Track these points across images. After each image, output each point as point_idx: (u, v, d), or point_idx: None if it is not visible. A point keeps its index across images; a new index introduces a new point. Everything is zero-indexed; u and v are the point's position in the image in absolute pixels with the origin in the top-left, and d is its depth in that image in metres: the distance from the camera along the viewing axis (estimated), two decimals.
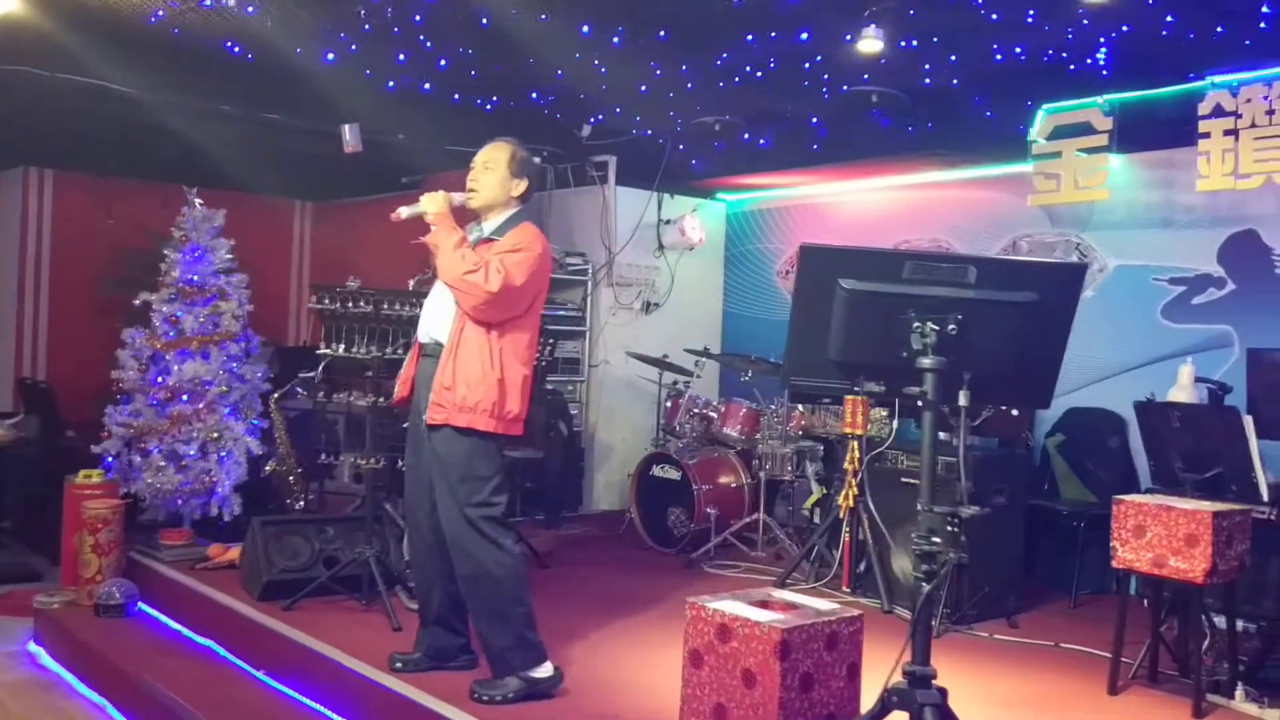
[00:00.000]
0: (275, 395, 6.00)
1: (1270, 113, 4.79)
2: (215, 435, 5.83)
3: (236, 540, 5.49)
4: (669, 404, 6.89)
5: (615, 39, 5.20)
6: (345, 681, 4.07)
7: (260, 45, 5.42)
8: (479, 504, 3.67)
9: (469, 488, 3.67)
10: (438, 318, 3.83)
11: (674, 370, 6.97)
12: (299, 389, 6.38)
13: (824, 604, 3.05)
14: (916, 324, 2.61)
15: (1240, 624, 4.27)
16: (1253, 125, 4.85)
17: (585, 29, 5.03)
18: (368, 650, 4.19)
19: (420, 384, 3.86)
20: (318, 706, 4.14)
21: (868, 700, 3.08)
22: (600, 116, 6.68)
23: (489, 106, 6.70)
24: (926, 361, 2.59)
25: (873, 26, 4.07)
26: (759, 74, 5.74)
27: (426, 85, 6.13)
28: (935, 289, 2.62)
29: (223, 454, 5.85)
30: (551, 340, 5.82)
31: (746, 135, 6.36)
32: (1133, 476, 5.92)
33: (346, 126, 6.77)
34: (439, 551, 3.84)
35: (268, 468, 5.97)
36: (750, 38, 5.24)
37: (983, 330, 2.62)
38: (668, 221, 7.86)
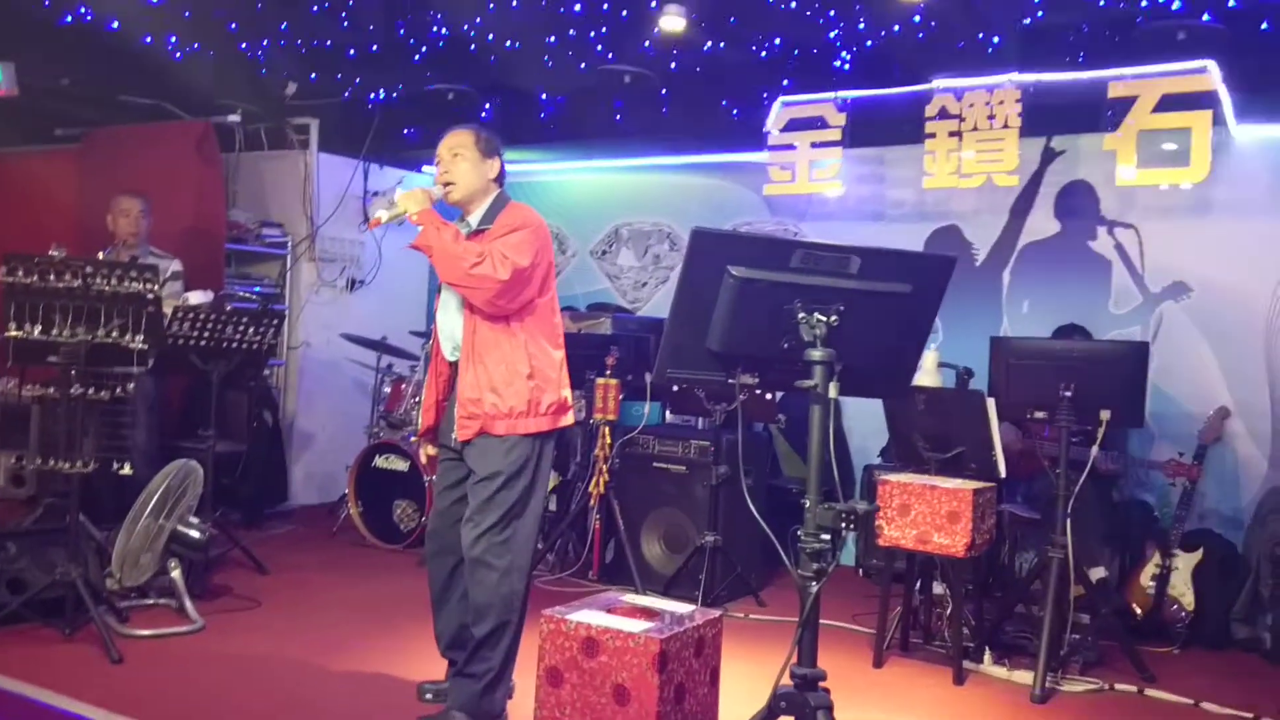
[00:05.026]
0: None
1: (991, 118, 5.23)
2: None
3: None
4: (388, 390, 6.43)
5: None
6: None
7: None
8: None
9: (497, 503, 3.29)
10: (458, 330, 3.41)
11: (394, 354, 6.52)
12: None
13: (679, 606, 2.91)
14: (803, 315, 2.52)
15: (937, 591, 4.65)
16: (975, 129, 5.27)
17: None
18: (85, 688, 3.58)
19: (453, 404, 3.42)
20: None
21: (728, 706, 3.00)
22: (316, 75, 6.07)
23: (180, 54, 5.87)
24: (817, 354, 2.51)
25: (675, 3, 3.96)
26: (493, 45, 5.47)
27: (115, 23, 5.24)
28: (820, 279, 2.55)
29: None
30: (275, 321, 5.19)
31: (487, 106, 6.03)
32: (846, 453, 6.32)
33: None
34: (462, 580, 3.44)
35: None
36: (491, 6, 4.96)
37: (860, 321, 2.58)
38: (376, 194, 7.33)
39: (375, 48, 5.54)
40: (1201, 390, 5.36)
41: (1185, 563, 4.86)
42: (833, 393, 2.59)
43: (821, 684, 2.55)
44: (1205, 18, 4.58)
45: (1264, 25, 4.72)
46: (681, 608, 2.89)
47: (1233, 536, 5.07)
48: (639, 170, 7.14)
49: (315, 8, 4.96)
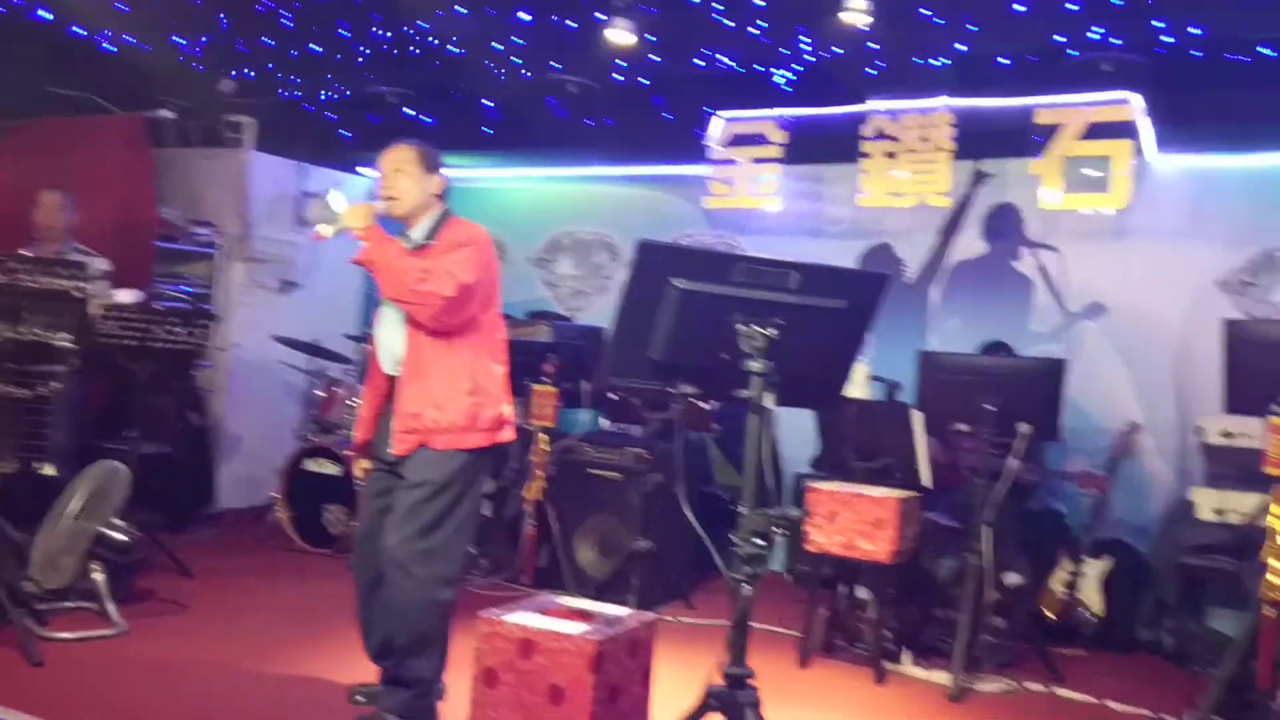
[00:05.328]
0: None
1: (924, 140, 5.38)
2: None
3: None
4: (322, 394, 6.37)
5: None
6: None
7: None
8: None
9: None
10: (399, 345, 3.35)
11: (328, 357, 6.47)
12: None
13: (613, 609, 2.96)
14: (742, 327, 2.60)
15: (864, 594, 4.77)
16: (910, 151, 5.42)
17: None
18: (4, 691, 3.49)
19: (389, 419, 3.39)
20: None
21: (656, 705, 3.05)
22: (251, 73, 6.01)
23: (114, 47, 5.77)
24: (756, 365, 2.58)
25: (624, 18, 4.02)
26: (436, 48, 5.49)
27: (43, 10, 5.14)
28: (761, 292, 2.62)
29: None
30: (204, 323, 5.12)
31: (428, 111, 6.04)
32: (777, 461, 6.41)
33: None
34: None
35: None
36: (439, 12, 4.99)
37: (797, 334, 2.66)
38: (312, 195, 7.26)
39: (317, 49, 5.51)
40: (1115, 406, 5.57)
41: (1095, 569, 5.05)
42: (770, 403, 2.67)
43: (750, 682, 2.62)
44: (1130, 52, 4.77)
45: (1185, 61, 4.92)
46: (616, 610, 2.93)
47: (1142, 546, 5.27)
48: (580, 180, 7.18)
49: (258, 6, 4.93)
